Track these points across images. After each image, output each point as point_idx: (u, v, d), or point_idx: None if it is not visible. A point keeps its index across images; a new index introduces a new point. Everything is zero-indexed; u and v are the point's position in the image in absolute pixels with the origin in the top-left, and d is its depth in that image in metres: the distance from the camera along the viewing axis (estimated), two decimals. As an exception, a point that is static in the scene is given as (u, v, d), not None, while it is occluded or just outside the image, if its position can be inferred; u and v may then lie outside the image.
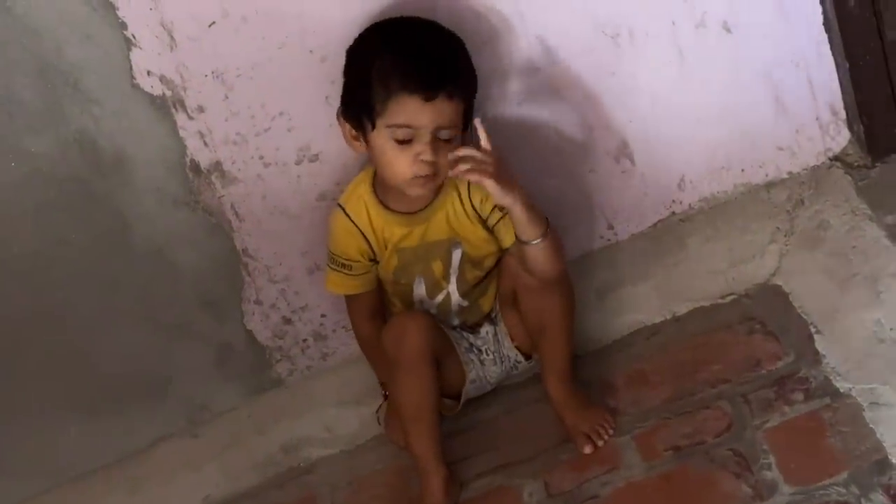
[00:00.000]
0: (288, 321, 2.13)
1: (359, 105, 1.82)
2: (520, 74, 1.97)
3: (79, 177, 1.91)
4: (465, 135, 1.86)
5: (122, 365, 2.11)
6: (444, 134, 1.79)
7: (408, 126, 1.77)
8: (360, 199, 1.92)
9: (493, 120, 1.98)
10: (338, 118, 1.87)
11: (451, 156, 1.78)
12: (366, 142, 1.84)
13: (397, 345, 1.90)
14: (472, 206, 1.90)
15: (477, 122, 1.80)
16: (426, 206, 1.91)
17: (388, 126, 1.78)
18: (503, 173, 1.77)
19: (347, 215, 1.92)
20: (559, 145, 2.05)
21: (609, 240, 2.16)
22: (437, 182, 1.83)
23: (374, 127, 1.80)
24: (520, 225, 1.82)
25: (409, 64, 1.77)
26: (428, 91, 1.75)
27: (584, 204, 2.11)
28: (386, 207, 1.91)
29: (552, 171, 2.07)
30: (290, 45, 1.87)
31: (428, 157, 1.78)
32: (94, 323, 2.06)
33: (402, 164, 1.80)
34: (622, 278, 2.14)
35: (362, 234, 1.92)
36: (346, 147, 1.95)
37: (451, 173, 1.79)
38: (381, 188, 1.91)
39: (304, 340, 2.16)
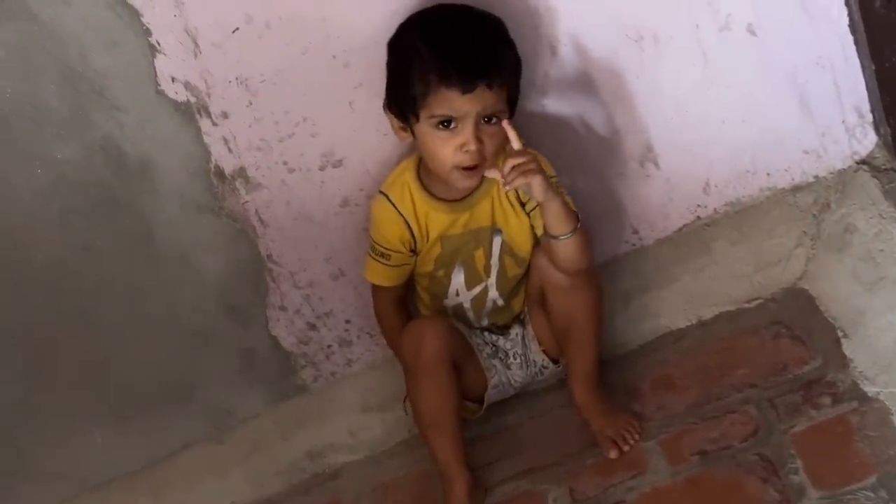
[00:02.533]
0: (312, 327, 2.14)
1: (401, 98, 1.84)
2: (544, 78, 1.97)
3: (104, 183, 1.93)
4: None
5: (148, 371, 2.12)
6: (489, 120, 1.81)
7: (450, 116, 1.79)
8: (405, 185, 1.93)
9: (517, 122, 1.96)
10: (384, 110, 1.89)
11: (489, 173, 1.81)
12: (412, 132, 1.85)
13: (414, 351, 1.91)
14: (516, 190, 1.91)
15: (505, 124, 1.80)
16: (471, 194, 1.92)
17: (431, 117, 1.80)
18: (541, 170, 1.79)
19: (391, 202, 1.93)
20: (583, 150, 2.05)
21: (634, 245, 2.16)
22: (482, 171, 1.83)
23: (417, 119, 1.82)
24: (554, 219, 1.83)
25: (446, 57, 1.78)
26: (466, 84, 1.76)
27: (610, 209, 2.11)
28: (431, 195, 1.92)
29: (576, 176, 2.07)
30: (313, 50, 1.88)
31: (472, 146, 1.80)
32: (120, 329, 2.08)
33: (447, 154, 1.81)
34: (648, 283, 2.14)
35: (405, 221, 1.93)
36: (369, 152, 1.97)
37: (487, 174, 1.82)
38: (427, 176, 1.93)
39: (329, 346, 2.17)
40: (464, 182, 1.84)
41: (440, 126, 1.80)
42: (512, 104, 1.85)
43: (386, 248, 1.96)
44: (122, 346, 2.09)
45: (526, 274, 2.00)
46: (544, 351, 2.04)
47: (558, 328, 1.96)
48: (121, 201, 1.95)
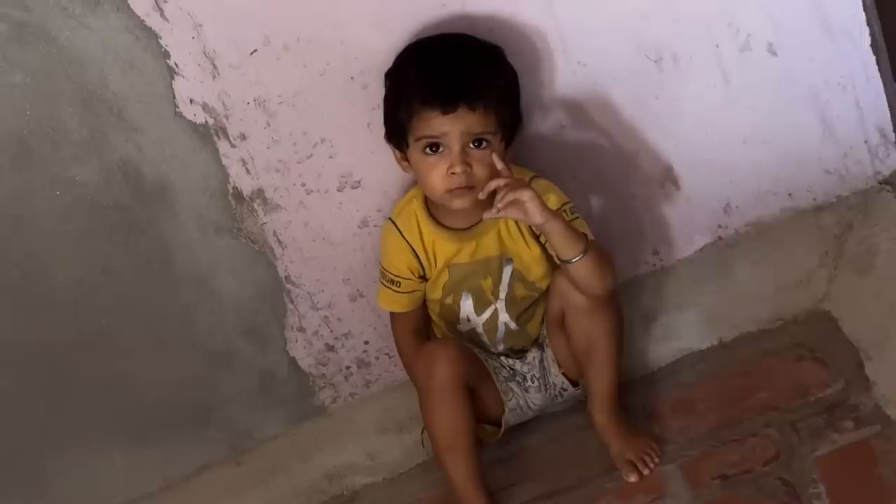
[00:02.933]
0: (331, 348, 2.14)
1: (394, 125, 1.85)
2: (563, 98, 1.97)
3: (122, 205, 1.94)
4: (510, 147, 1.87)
5: (166, 393, 2.13)
6: (477, 142, 1.80)
7: (433, 137, 1.80)
8: (412, 214, 1.94)
9: (536, 143, 1.98)
10: (386, 141, 1.90)
11: (486, 215, 1.79)
12: (406, 159, 1.86)
13: (427, 374, 1.91)
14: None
15: (495, 157, 1.79)
16: (478, 223, 1.91)
17: (417, 140, 1.81)
18: (530, 190, 1.78)
19: (399, 230, 1.94)
20: (603, 170, 2.04)
21: (654, 265, 2.15)
22: (476, 193, 1.81)
23: (408, 145, 1.83)
24: (558, 243, 1.81)
25: (426, 78, 1.79)
26: (446, 104, 1.77)
27: (629, 229, 2.10)
28: (437, 223, 1.93)
29: (596, 197, 2.07)
30: (331, 72, 1.89)
31: (458, 168, 1.79)
32: (138, 351, 2.08)
33: (436, 178, 1.82)
34: (668, 304, 2.13)
35: (412, 249, 1.93)
36: (387, 173, 1.97)
37: (485, 216, 1.80)
38: (433, 204, 1.93)
39: (348, 367, 2.17)
40: (458, 203, 1.83)
41: (427, 151, 1.81)
42: (506, 131, 1.84)
43: (395, 276, 1.96)
44: (140, 367, 2.10)
45: (540, 297, 1.99)
46: (564, 373, 2.03)
47: (578, 350, 1.95)
48: (139, 223, 1.96)
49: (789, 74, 1.99)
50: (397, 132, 1.84)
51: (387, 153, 1.94)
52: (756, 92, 2.00)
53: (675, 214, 2.10)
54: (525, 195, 1.76)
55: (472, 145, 1.80)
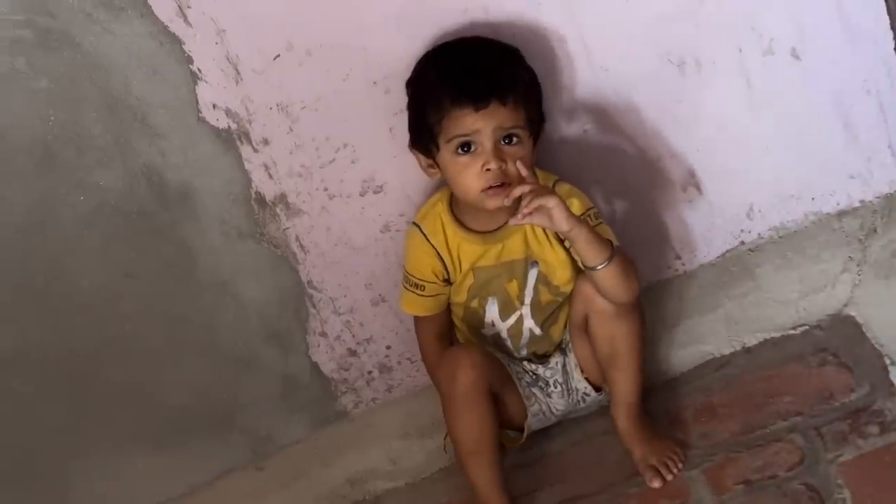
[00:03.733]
0: (353, 353, 2.15)
1: (421, 132, 1.85)
2: (585, 103, 1.97)
3: (145, 210, 1.95)
4: (535, 150, 1.87)
5: (188, 397, 2.13)
6: (508, 139, 1.81)
7: (465, 135, 1.79)
8: (437, 217, 1.94)
9: (559, 148, 1.99)
10: (411, 150, 1.90)
11: (512, 221, 1.79)
12: (438, 166, 1.86)
13: (450, 380, 1.91)
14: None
15: (519, 164, 1.80)
16: (503, 225, 1.91)
17: (448, 141, 1.81)
18: (555, 197, 1.78)
19: (423, 234, 1.94)
20: (626, 174, 2.05)
21: (677, 270, 2.15)
22: (511, 190, 1.79)
23: (438, 148, 1.83)
24: (584, 249, 1.81)
25: (455, 77, 1.80)
26: (478, 100, 1.77)
27: (652, 234, 2.10)
28: (462, 226, 1.93)
29: (618, 202, 2.07)
30: (354, 77, 1.89)
31: (493, 164, 1.79)
32: (161, 356, 2.09)
33: (470, 178, 1.81)
34: (691, 309, 2.13)
35: (437, 253, 1.94)
36: (409, 178, 1.98)
37: (511, 222, 1.81)
38: (458, 207, 1.93)
39: (370, 372, 2.17)
40: (494, 202, 1.82)
41: (459, 151, 1.81)
42: (533, 128, 1.85)
43: (419, 280, 1.97)
44: (163, 371, 2.11)
45: (563, 302, 1.99)
46: (587, 378, 2.03)
47: (601, 355, 1.96)
48: (162, 228, 1.97)
49: (812, 79, 1.99)
50: (425, 137, 1.85)
51: (409, 158, 1.94)
52: (779, 96, 2.00)
53: (698, 219, 2.10)
54: (550, 202, 1.76)
55: (503, 142, 1.81)
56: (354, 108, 1.92)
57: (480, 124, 1.78)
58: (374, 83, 1.90)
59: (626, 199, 2.07)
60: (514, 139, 1.81)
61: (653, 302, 2.10)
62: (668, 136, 2.02)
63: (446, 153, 1.82)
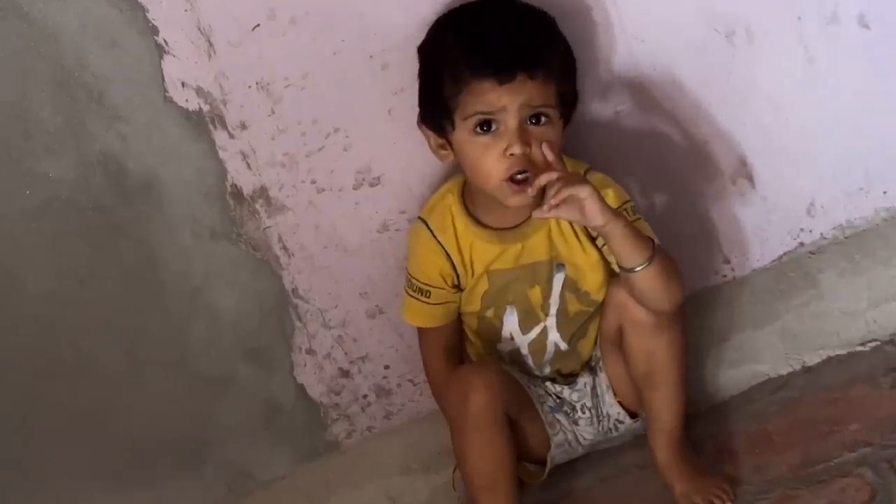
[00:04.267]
0: (346, 374, 2.15)
1: (434, 105, 1.85)
2: (618, 79, 1.97)
3: (103, 205, 1.94)
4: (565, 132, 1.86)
5: (154, 426, 2.13)
6: (535, 118, 1.80)
7: (486, 112, 1.79)
8: (447, 211, 1.94)
9: (587, 132, 1.99)
10: (419, 127, 1.90)
11: (536, 213, 1.77)
12: (451, 148, 1.86)
13: (461, 404, 1.90)
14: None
15: (545, 148, 1.78)
16: (523, 222, 1.91)
17: (466, 118, 1.80)
18: (588, 184, 1.76)
19: (430, 230, 1.94)
20: (665, 163, 2.05)
21: (726, 276, 2.15)
22: (536, 183, 1.78)
23: (453, 126, 1.83)
24: (620, 247, 1.80)
25: (478, 45, 1.79)
26: (503, 72, 1.76)
27: (696, 234, 2.11)
28: (476, 221, 1.93)
29: (657, 196, 2.07)
30: (346, 50, 1.89)
31: (517, 148, 1.78)
32: (121, 376, 2.09)
33: (490, 163, 1.80)
34: (742, 322, 2.13)
35: (446, 253, 1.94)
36: (412, 168, 1.98)
37: (535, 214, 1.78)
38: (472, 199, 1.93)
39: (365, 396, 2.17)
40: (517, 199, 1.82)
41: (479, 130, 1.80)
42: (565, 107, 1.84)
43: (424, 284, 1.96)
44: (124, 395, 2.11)
45: (594, 312, 1.99)
46: (620, 402, 2.03)
47: (638, 374, 1.95)
48: (122, 226, 1.97)
49: (883, 50, 1.98)
50: (438, 113, 1.84)
51: (411, 144, 1.94)
52: (844, 71, 2.00)
53: (750, 216, 2.10)
54: (582, 191, 1.75)
55: (529, 122, 1.80)
56: (347, 86, 1.92)
57: (505, 100, 1.77)
58: (371, 57, 1.90)
59: (666, 192, 2.07)
60: (543, 119, 1.80)
61: (698, 313, 2.10)
62: (715, 117, 2.02)
63: (463, 132, 1.82)
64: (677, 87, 1.99)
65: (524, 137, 1.79)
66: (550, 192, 1.75)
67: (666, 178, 2.06)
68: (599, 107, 1.99)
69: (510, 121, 1.78)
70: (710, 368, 2.10)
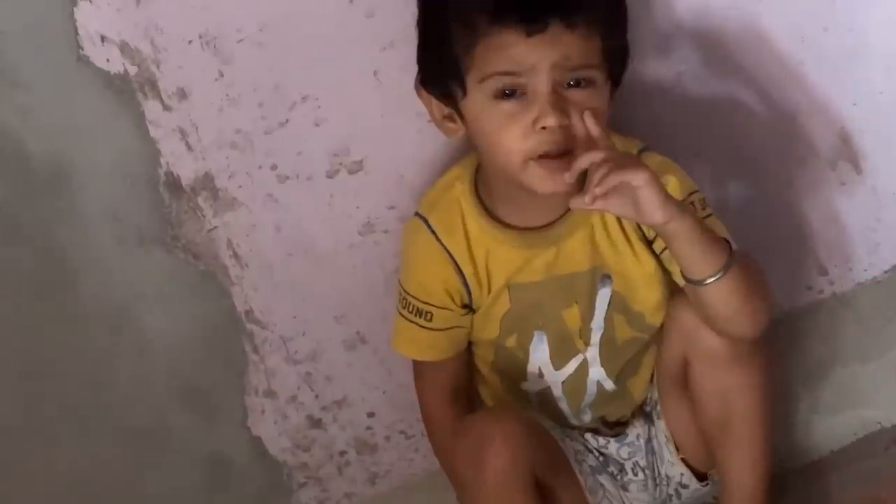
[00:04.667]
0: (316, 423, 2.16)
1: (439, 63, 1.84)
2: (683, 29, 1.98)
3: (-3, 200, 1.95)
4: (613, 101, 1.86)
5: (65, 495, 2.14)
6: (576, 83, 1.78)
7: (511, 73, 1.78)
8: (454, 205, 1.94)
9: (639, 100, 2.00)
10: (418, 92, 1.90)
11: (573, 203, 1.76)
12: (461, 119, 1.86)
13: (474, 465, 1.89)
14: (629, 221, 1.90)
15: (588, 116, 1.76)
16: (558, 219, 1.91)
17: (482, 80, 1.79)
18: (645, 169, 1.74)
19: (432, 231, 1.94)
20: (741, 141, 2.06)
21: (822, 292, 2.17)
22: (575, 165, 1.75)
23: (465, 91, 1.82)
24: (686, 252, 1.79)
25: None
26: (531, 19, 1.74)
27: (783, 236, 2.13)
28: (495, 219, 1.93)
29: (730, 186, 2.09)
30: (319, -8, 1.90)
31: (551, 119, 1.76)
32: (20, 431, 2.10)
33: (514, 139, 1.78)
34: (844, 352, 2.15)
35: (454, 261, 1.94)
36: (403, 149, 2.00)
37: (573, 204, 1.77)
38: (488, 189, 1.93)
39: (342, 453, 2.19)
40: (550, 183, 1.80)
41: (500, 97, 1.79)
42: (613, 66, 1.83)
43: (424, 303, 1.97)
44: (24, 455, 2.11)
45: (650, 341, 2.00)
46: (683, 460, 2.04)
47: (709, 422, 1.96)
48: (22, 227, 1.97)
49: None
50: (445, 72, 1.83)
51: (404, 117, 1.96)
52: (981, 20, 2.01)
53: (855, 213, 2.12)
54: (638, 177, 1.72)
55: (567, 85, 1.80)
56: (320, 40, 1.92)
57: (534, 57, 1.76)
58: (351, 2, 1.90)
59: (744, 180, 2.09)
60: (583, 82, 1.79)
61: (787, 341, 2.11)
62: (808, 83, 2.03)
63: (477, 98, 1.81)
64: (759, 41, 2.00)
65: (560, 105, 1.77)
66: (595, 177, 1.73)
67: (743, 161, 2.07)
68: (656, 66, 2.00)
69: (541, 84, 1.77)
70: (803, 415, 2.12)
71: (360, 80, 1.95)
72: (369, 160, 2.01)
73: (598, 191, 1.71)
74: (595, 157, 1.73)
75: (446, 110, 1.87)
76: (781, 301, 2.12)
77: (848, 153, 2.08)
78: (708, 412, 1.95)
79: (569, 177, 1.75)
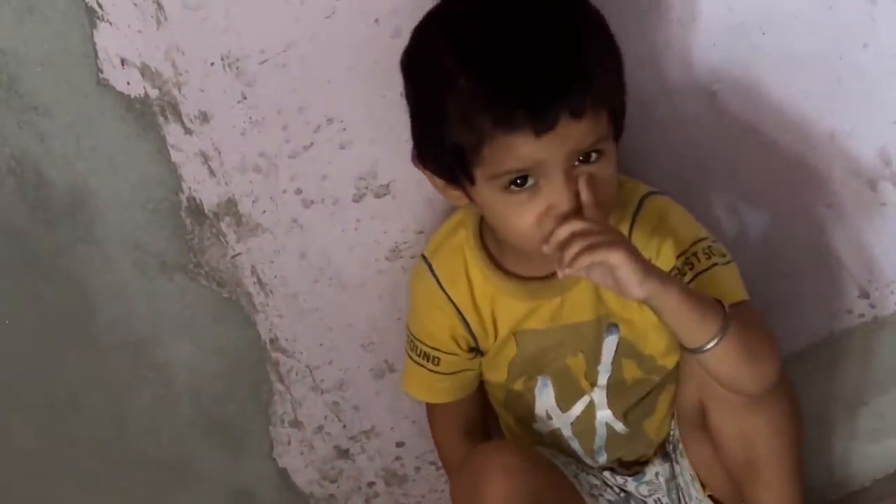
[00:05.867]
0: (344, 454, 2.16)
1: (439, 152, 1.78)
2: (711, 46, 1.97)
3: (16, 227, 1.94)
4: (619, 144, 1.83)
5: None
6: (587, 158, 1.73)
7: (520, 170, 1.72)
8: (457, 253, 1.93)
9: (672, 122, 1.99)
10: (416, 165, 1.86)
11: (546, 249, 1.71)
12: (467, 195, 1.81)
13: (474, 495, 1.88)
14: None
15: (583, 185, 1.71)
16: None
17: (493, 178, 1.74)
18: (622, 246, 1.69)
19: (435, 277, 1.94)
20: (777, 161, 2.05)
21: (863, 315, 2.15)
22: (553, 238, 1.71)
23: (472, 181, 1.76)
24: (675, 323, 1.74)
25: (499, 84, 1.69)
26: (541, 120, 1.68)
27: (821, 258, 2.11)
28: (499, 268, 1.92)
29: (758, 206, 2.08)
30: (343, 12, 1.88)
31: (566, 205, 1.71)
32: (39, 461, 2.09)
33: (527, 225, 1.74)
34: (885, 380, 2.14)
35: (457, 309, 1.93)
36: (432, 174, 1.98)
37: (560, 273, 1.70)
38: (492, 236, 1.91)
39: (371, 485, 2.19)
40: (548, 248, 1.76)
41: (511, 187, 1.74)
42: (618, 121, 1.78)
43: (431, 348, 1.97)
44: (44, 487, 2.11)
45: (665, 380, 1.99)
46: (711, 497, 2.03)
47: (732, 463, 1.94)
48: (41, 255, 1.96)
49: None
50: (446, 160, 1.77)
51: (432, 140, 1.94)
52: None
53: (896, 233, 2.10)
54: (614, 257, 1.67)
55: (578, 161, 1.73)
56: (345, 61, 1.91)
57: (545, 154, 1.70)
58: (376, 21, 1.89)
59: (780, 201, 2.08)
60: (594, 155, 1.74)
61: (821, 369, 2.10)
62: (846, 99, 2.01)
63: (488, 190, 1.75)
64: (793, 58, 1.98)
65: (573, 187, 1.72)
66: (568, 252, 1.68)
67: (779, 181, 2.06)
68: (687, 85, 1.98)
69: (555, 175, 1.72)
70: (842, 444, 2.12)
71: (386, 101, 1.94)
72: (396, 184, 2.00)
73: (568, 270, 1.68)
74: (575, 227, 1.69)
75: (452, 187, 1.82)
76: (819, 326, 2.13)
77: (889, 173, 2.06)
78: (731, 455, 1.94)
79: (547, 249, 1.70)
